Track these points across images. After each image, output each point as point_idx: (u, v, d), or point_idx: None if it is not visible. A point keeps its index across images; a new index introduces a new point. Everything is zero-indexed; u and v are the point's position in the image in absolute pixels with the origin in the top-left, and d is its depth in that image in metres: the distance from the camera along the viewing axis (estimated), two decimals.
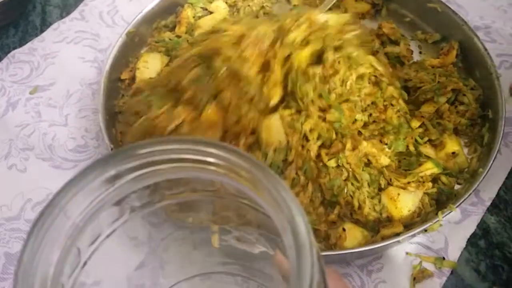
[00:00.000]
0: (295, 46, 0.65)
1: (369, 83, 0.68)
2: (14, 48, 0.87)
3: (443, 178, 0.66)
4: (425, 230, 0.60)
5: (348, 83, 0.66)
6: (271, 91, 0.65)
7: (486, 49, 0.73)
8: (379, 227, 0.62)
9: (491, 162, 0.64)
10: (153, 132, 0.65)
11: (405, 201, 0.63)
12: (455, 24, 0.78)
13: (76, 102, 0.80)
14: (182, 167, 0.29)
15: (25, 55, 0.86)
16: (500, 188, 0.68)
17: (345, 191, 0.63)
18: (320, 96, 0.65)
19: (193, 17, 0.85)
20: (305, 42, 0.66)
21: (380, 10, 0.87)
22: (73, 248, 0.28)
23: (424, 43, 0.83)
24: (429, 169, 0.65)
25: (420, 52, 0.83)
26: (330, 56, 0.66)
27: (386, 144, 0.66)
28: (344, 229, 0.61)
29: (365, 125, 0.68)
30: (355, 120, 0.67)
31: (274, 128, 0.64)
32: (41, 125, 0.78)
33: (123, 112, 0.73)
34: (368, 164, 0.65)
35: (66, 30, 0.89)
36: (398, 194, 0.63)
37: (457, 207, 0.61)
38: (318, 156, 0.65)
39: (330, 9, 0.80)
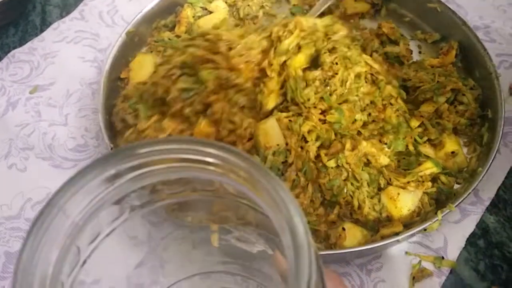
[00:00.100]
0: (290, 53, 0.65)
1: (366, 82, 0.68)
2: (14, 47, 0.87)
3: (443, 178, 0.66)
4: (425, 230, 0.60)
5: (348, 83, 0.66)
6: (267, 99, 0.65)
7: (485, 49, 0.74)
8: (379, 227, 0.63)
9: (490, 161, 0.64)
10: None
11: (404, 201, 0.63)
12: (455, 24, 0.78)
13: (76, 102, 0.80)
14: (182, 167, 0.29)
15: (25, 55, 0.86)
16: (499, 187, 0.68)
17: (345, 191, 0.63)
18: (321, 98, 0.65)
19: (193, 16, 0.85)
20: (298, 48, 0.66)
21: (379, 10, 0.87)
22: (72, 247, 0.28)
23: (423, 43, 0.83)
24: (428, 168, 0.65)
25: (420, 52, 0.83)
26: (327, 58, 0.67)
27: (386, 143, 0.66)
28: (343, 229, 0.61)
29: (365, 125, 0.68)
30: (355, 120, 0.67)
31: (271, 131, 0.64)
32: (41, 124, 0.78)
33: (113, 114, 0.73)
34: (367, 164, 0.65)
35: (66, 30, 0.89)
36: (398, 194, 0.63)
37: (456, 206, 0.61)
38: (318, 156, 0.65)
39: (323, 13, 0.80)
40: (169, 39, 0.82)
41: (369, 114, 0.68)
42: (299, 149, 0.64)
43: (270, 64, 0.65)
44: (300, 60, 0.66)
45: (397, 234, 0.59)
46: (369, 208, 0.63)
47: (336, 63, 0.66)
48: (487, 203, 0.67)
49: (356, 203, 0.63)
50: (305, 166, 0.64)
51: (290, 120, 0.65)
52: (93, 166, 0.28)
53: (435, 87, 0.70)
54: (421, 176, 0.65)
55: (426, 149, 0.68)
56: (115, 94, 0.76)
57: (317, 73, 0.66)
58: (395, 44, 0.80)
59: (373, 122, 0.68)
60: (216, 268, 0.44)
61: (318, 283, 0.26)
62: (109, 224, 0.32)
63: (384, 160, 0.65)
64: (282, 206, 0.26)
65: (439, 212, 0.60)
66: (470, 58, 0.76)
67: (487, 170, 0.63)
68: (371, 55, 0.74)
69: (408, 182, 0.64)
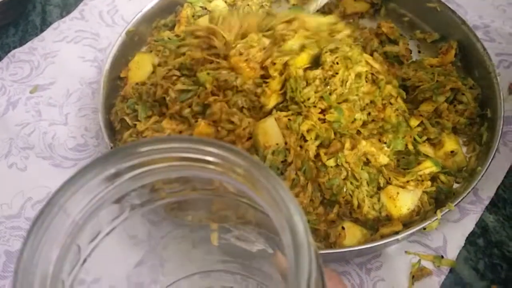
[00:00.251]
0: (293, 52, 0.65)
1: (366, 81, 0.68)
2: (14, 47, 0.88)
3: (442, 177, 0.66)
4: (424, 229, 0.60)
5: (348, 83, 0.66)
6: (268, 99, 0.66)
7: (485, 49, 0.74)
8: (378, 226, 0.63)
9: (490, 161, 0.64)
10: None
11: (404, 200, 0.63)
12: (454, 24, 0.78)
13: (76, 101, 0.81)
14: (182, 166, 0.29)
15: (25, 55, 0.86)
16: (499, 186, 0.68)
17: (344, 190, 0.63)
18: (321, 98, 0.66)
19: (193, 16, 0.85)
20: (301, 48, 0.66)
21: (379, 9, 0.87)
22: (73, 246, 0.28)
23: (423, 42, 0.83)
24: (428, 167, 0.65)
25: (419, 52, 0.83)
26: (328, 58, 0.67)
27: (385, 143, 0.66)
28: (343, 228, 0.62)
29: (364, 124, 0.68)
30: (354, 119, 0.67)
31: (270, 131, 0.64)
32: (41, 124, 0.78)
33: (112, 114, 0.73)
34: (367, 163, 0.65)
35: (66, 30, 0.90)
36: (397, 193, 0.63)
37: (455, 205, 0.61)
38: (317, 156, 0.65)
39: (318, 10, 0.80)
40: (169, 38, 0.82)
41: (369, 114, 0.68)
42: (299, 148, 0.64)
43: (273, 64, 0.65)
44: (302, 60, 0.66)
45: (396, 233, 0.60)
46: (369, 207, 0.63)
47: (337, 63, 0.66)
48: (487, 202, 0.67)
49: (355, 202, 0.63)
50: (304, 165, 0.64)
51: (289, 119, 0.65)
52: (93, 165, 0.28)
53: (434, 87, 0.71)
54: (421, 175, 0.65)
55: (426, 149, 0.68)
56: (115, 93, 0.76)
57: (317, 72, 0.66)
58: (395, 43, 0.80)
59: (372, 122, 0.68)
60: (216, 267, 0.44)
61: (318, 281, 0.26)
62: (109, 223, 0.32)
63: (383, 159, 0.65)
64: (282, 205, 0.26)
65: (438, 211, 0.60)
66: (470, 58, 0.76)
67: (486, 169, 0.63)
68: (371, 55, 0.74)
69: (408, 181, 0.64)
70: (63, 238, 0.27)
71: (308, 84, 0.66)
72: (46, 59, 0.86)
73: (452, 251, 0.63)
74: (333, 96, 0.66)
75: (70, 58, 0.86)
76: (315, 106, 0.66)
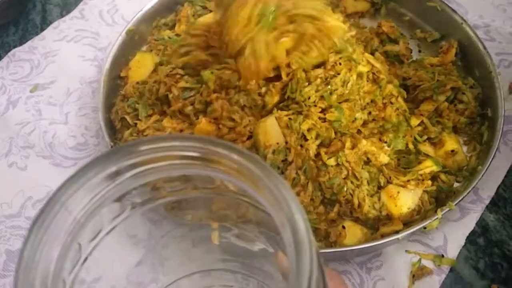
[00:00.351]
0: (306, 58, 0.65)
1: (367, 81, 0.68)
2: (15, 46, 0.88)
3: (442, 176, 0.66)
4: (424, 228, 0.60)
5: (349, 84, 0.66)
6: (272, 98, 0.66)
7: (485, 48, 0.74)
8: (379, 225, 0.63)
9: (490, 160, 0.64)
10: None
11: (404, 199, 0.63)
12: (455, 23, 0.78)
13: (76, 100, 0.81)
14: (183, 164, 0.29)
15: (26, 54, 0.86)
16: (499, 186, 0.69)
17: (345, 189, 0.63)
18: (322, 97, 0.66)
19: (193, 15, 0.85)
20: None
21: (379, 9, 0.87)
22: (74, 244, 0.28)
23: (423, 41, 0.83)
24: (428, 167, 0.65)
25: (420, 51, 0.83)
26: (330, 57, 0.66)
27: (386, 142, 0.66)
28: (344, 227, 0.62)
29: (365, 123, 0.68)
30: (355, 118, 0.67)
31: (271, 130, 0.64)
32: (42, 123, 0.78)
33: (113, 113, 0.73)
34: (367, 162, 0.65)
35: (66, 29, 0.90)
36: (398, 192, 0.63)
37: (456, 205, 0.61)
38: (318, 155, 0.65)
39: None
40: (169, 37, 0.82)
41: (369, 113, 0.68)
42: (299, 148, 0.64)
43: (287, 66, 0.65)
44: (312, 63, 0.66)
45: (397, 232, 0.60)
46: (369, 206, 0.63)
47: (340, 64, 0.66)
48: (487, 201, 0.67)
49: (356, 202, 0.63)
50: (305, 165, 0.64)
51: (290, 119, 0.65)
52: (94, 163, 0.28)
53: (435, 86, 0.71)
54: (421, 175, 0.65)
55: (426, 148, 0.68)
56: (115, 92, 0.76)
57: (319, 71, 0.66)
58: (395, 43, 0.80)
59: (373, 121, 0.68)
60: (216, 266, 0.44)
61: (319, 280, 0.26)
62: (110, 222, 0.32)
63: (384, 158, 0.65)
64: (283, 203, 0.26)
65: (439, 210, 0.61)
66: (470, 57, 0.76)
67: (487, 169, 0.63)
68: (372, 54, 0.74)
69: (408, 181, 0.64)
70: (64, 236, 0.27)
71: (309, 83, 0.66)
72: (46, 58, 0.86)
73: (453, 250, 0.63)
74: (334, 96, 0.66)
75: (70, 57, 0.86)
76: (315, 105, 0.66)
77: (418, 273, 0.62)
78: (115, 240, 0.33)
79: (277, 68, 0.67)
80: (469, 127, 0.72)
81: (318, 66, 0.67)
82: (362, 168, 0.64)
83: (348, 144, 0.64)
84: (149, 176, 0.30)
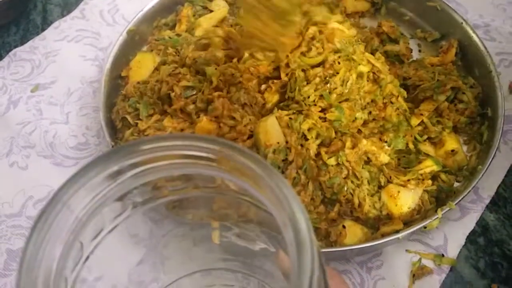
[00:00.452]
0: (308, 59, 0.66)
1: (367, 80, 0.68)
2: (16, 46, 0.88)
3: (443, 176, 0.66)
4: (425, 227, 0.60)
5: (349, 83, 0.66)
6: (271, 96, 0.66)
7: (485, 48, 0.74)
8: (379, 225, 0.63)
9: (490, 159, 0.64)
10: None
11: (404, 199, 0.63)
12: (455, 23, 0.78)
13: (77, 100, 0.81)
14: (184, 164, 0.29)
15: (26, 54, 0.86)
16: (499, 185, 0.69)
17: (345, 189, 0.64)
18: (321, 96, 0.66)
19: (193, 15, 0.85)
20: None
21: (379, 8, 0.87)
22: (76, 243, 0.28)
23: (423, 41, 0.83)
24: (428, 166, 0.65)
25: (420, 51, 0.83)
26: (330, 57, 0.67)
27: (386, 142, 0.67)
28: (344, 227, 0.62)
29: (365, 123, 0.68)
30: (355, 118, 0.67)
31: (271, 129, 0.64)
32: (42, 123, 0.78)
33: (113, 113, 0.74)
34: (367, 162, 0.65)
35: (67, 29, 0.90)
36: (398, 192, 0.63)
37: (456, 204, 0.61)
38: (318, 154, 0.65)
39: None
40: (170, 37, 0.82)
41: (370, 113, 0.68)
42: (299, 147, 0.64)
43: (287, 66, 0.66)
44: (311, 62, 0.66)
45: (397, 232, 0.60)
46: (370, 206, 0.63)
47: (339, 62, 0.66)
48: (487, 201, 0.67)
49: (356, 201, 0.63)
50: (305, 164, 0.64)
51: (290, 118, 0.65)
52: (96, 162, 0.28)
53: (435, 86, 0.71)
54: (421, 174, 0.65)
55: (426, 147, 0.69)
56: (116, 92, 0.76)
57: (318, 70, 0.66)
58: (395, 42, 0.80)
59: (373, 121, 0.68)
60: (217, 265, 0.44)
61: (320, 279, 0.26)
62: (112, 221, 0.32)
63: (384, 158, 0.65)
64: (284, 202, 0.26)
65: (439, 210, 0.61)
66: (470, 57, 0.76)
67: (487, 168, 0.64)
68: (372, 54, 0.74)
69: (408, 180, 0.64)
70: (67, 234, 0.27)
71: (308, 82, 0.66)
72: (47, 58, 0.86)
73: (453, 250, 0.64)
74: (333, 95, 0.66)
75: (71, 57, 0.86)
76: (315, 105, 0.66)
77: (419, 272, 0.62)
78: (116, 239, 0.33)
79: (277, 68, 0.68)
80: (469, 126, 0.72)
81: (317, 65, 0.68)
82: (362, 168, 0.64)
83: (348, 143, 0.64)
84: (150, 175, 0.30)
